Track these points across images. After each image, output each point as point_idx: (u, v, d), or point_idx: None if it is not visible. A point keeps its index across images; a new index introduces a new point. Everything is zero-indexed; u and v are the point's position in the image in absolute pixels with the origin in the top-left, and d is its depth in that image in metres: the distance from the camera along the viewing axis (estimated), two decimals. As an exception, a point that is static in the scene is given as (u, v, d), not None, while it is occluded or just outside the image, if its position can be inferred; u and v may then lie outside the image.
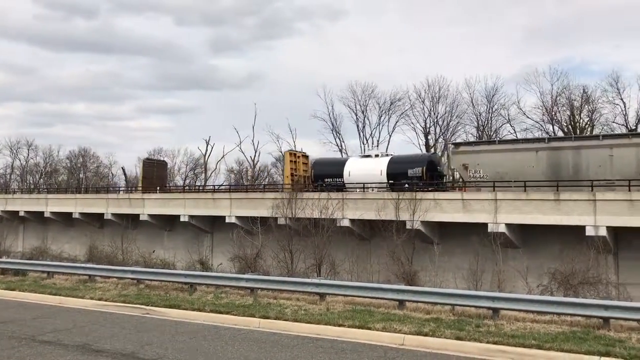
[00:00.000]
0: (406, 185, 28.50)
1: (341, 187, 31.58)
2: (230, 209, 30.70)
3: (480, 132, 52.19)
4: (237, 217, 30.08)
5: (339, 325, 13.82)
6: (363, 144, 55.49)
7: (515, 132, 50.70)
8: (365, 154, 35.61)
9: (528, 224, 23.55)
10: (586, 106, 48.82)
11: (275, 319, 14.55)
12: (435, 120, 53.78)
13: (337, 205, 26.95)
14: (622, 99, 47.74)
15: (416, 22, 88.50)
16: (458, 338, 12.57)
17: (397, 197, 25.99)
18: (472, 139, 52.21)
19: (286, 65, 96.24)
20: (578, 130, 47.03)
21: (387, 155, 33.52)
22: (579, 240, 21.76)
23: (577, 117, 48.99)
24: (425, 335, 12.86)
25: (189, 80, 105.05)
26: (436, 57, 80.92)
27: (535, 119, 50.21)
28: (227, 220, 30.48)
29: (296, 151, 39.99)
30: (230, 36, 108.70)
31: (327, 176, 32.92)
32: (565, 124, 49.21)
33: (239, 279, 17.73)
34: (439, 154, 38.58)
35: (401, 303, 15.47)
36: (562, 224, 22.53)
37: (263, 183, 54.57)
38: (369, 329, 13.51)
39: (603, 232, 21.42)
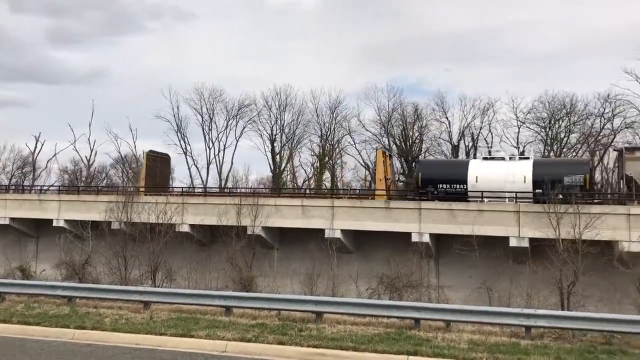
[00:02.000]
0: (560, 196, 21.93)
1: (462, 196, 25.64)
2: (59, 211, 28.48)
3: (323, 142, 54.19)
4: (67, 221, 27.94)
5: (161, 334, 13.31)
6: (209, 147, 54.76)
7: (354, 143, 53.28)
8: (490, 155, 28.64)
9: (362, 230, 24.58)
10: (417, 122, 53.05)
11: (92, 329, 13.67)
12: (282, 127, 54.69)
13: (176, 209, 26.11)
14: (447, 118, 52.85)
15: (265, 32, 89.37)
16: (280, 343, 12.68)
17: (240, 203, 25.84)
18: (316, 149, 54.26)
19: (132, 63, 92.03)
20: (409, 143, 51.23)
21: (524, 157, 27.82)
22: (406, 246, 23.13)
23: (409, 132, 52.82)
24: (249, 341, 12.80)
25: (23, 72, 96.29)
26: (284, 67, 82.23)
27: (374, 132, 53.31)
28: (54, 224, 28.20)
29: (385, 149, 34.88)
30: (72, 28, 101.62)
31: (441, 181, 26.53)
32: (398, 138, 52.87)
33: (54, 287, 16.44)
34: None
35: (228, 309, 15.30)
36: (391, 231, 23.80)
37: (99, 185, 51.46)
38: (192, 336, 13.17)
39: (426, 238, 22.98)
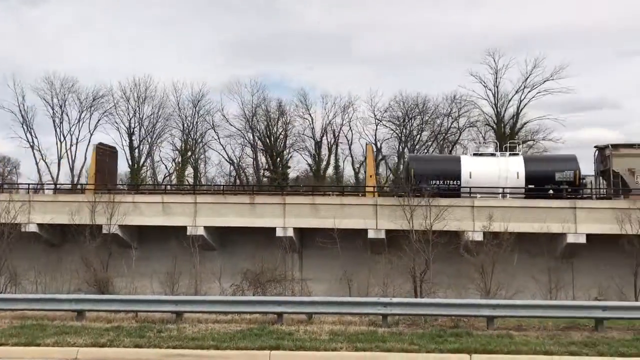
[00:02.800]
0: (551, 192, 24.07)
1: (456, 193, 25.18)
2: None
3: (185, 136, 52.89)
4: None
5: (2, 345, 12.14)
6: (60, 141, 51.06)
7: (219, 137, 52.58)
8: (479, 151, 28.81)
9: (226, 226, 24.29)
10: (282, 118, 53.69)
11: None
12: (141, 120, 52.45)
13: (21, 208, 23.99)
14: (310, 114, 53.99)
15: (124, 20, 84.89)
16: (137, 346, 12.14)
17: (94, 200, 24.34)
18: (178, 143, 52.83)
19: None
20: (273, 139, 51.73)
21: (513, 154, 27.36)
22: (270, 241, 23.24)
23: (273, 127, 53.30)
24: (102, 346, 12.10)
25: None
26: (144, 58, 78.84)
27: (238, 127, 53.04)
28: None
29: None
30: None
31: (434, 177, 25.35)
32: (262, 134, 53.10)
33: None
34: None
35: (80, 314, 14.35)
36: (256, 226, 23.78)
37: None
38: (39, 345, 12.19)
39: (290, 232, 23.27)
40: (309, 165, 55.02)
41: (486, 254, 20.01)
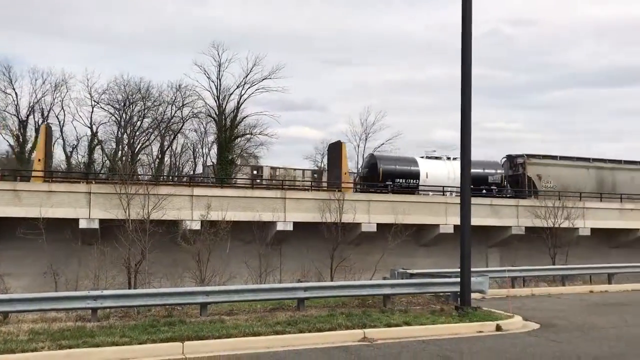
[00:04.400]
0: (484, 191, 29.02)
1: (414, 190, 29.13)
2: None
3: None
4: None
5: None
6: None
7: None
8: (431, 155, 32.37)
9: None
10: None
11: None
12: None
13: None
14: (14, 89, 49.23)
15: None
16: None
17: None
18: None
19: None
20: None
21: (455, 158, 29.75)
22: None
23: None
24: None
25: None
26: None
27: None
28: None
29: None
30: None
31: (398, 176, 29.35)
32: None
33: None
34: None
35: None
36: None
37: None
38: None
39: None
40: (11, 146, 49.03)
41: (203, 242, 20.43)
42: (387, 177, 29.56)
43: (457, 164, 31.48)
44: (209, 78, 51.14)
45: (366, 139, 45.11)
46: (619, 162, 36.21)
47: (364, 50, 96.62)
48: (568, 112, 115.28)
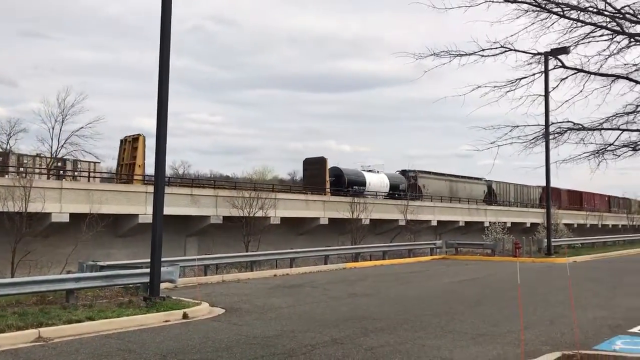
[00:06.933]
0: (397, 195, 46.11)
1: (363, 193, 42.59)
2: None
3: None
4: None
5: None
6: None
7: None
8: (367, 169, 47.77)
9: None
10: None
11: None
12: None
13: None
14: None
15: None
16: None
17: None
18: None
19: None
20: None
21: (380, 172, 48.03)
22: None
23: None
24: None
25: None
26: None
27: None
28: None
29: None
30: None
31: (355, 184, 43.18)
32: None
33: None
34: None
35: None
36: None
37: None
38: None
39: None
40: None
41: None
42: (350, 184, 42.81)
43: (383, 176, 47.11)
44: None
45: (63, 121, 41.03)
46: (461, 177, 55.99)
47: (68, 26, 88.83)
48: (263, 110, 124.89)
